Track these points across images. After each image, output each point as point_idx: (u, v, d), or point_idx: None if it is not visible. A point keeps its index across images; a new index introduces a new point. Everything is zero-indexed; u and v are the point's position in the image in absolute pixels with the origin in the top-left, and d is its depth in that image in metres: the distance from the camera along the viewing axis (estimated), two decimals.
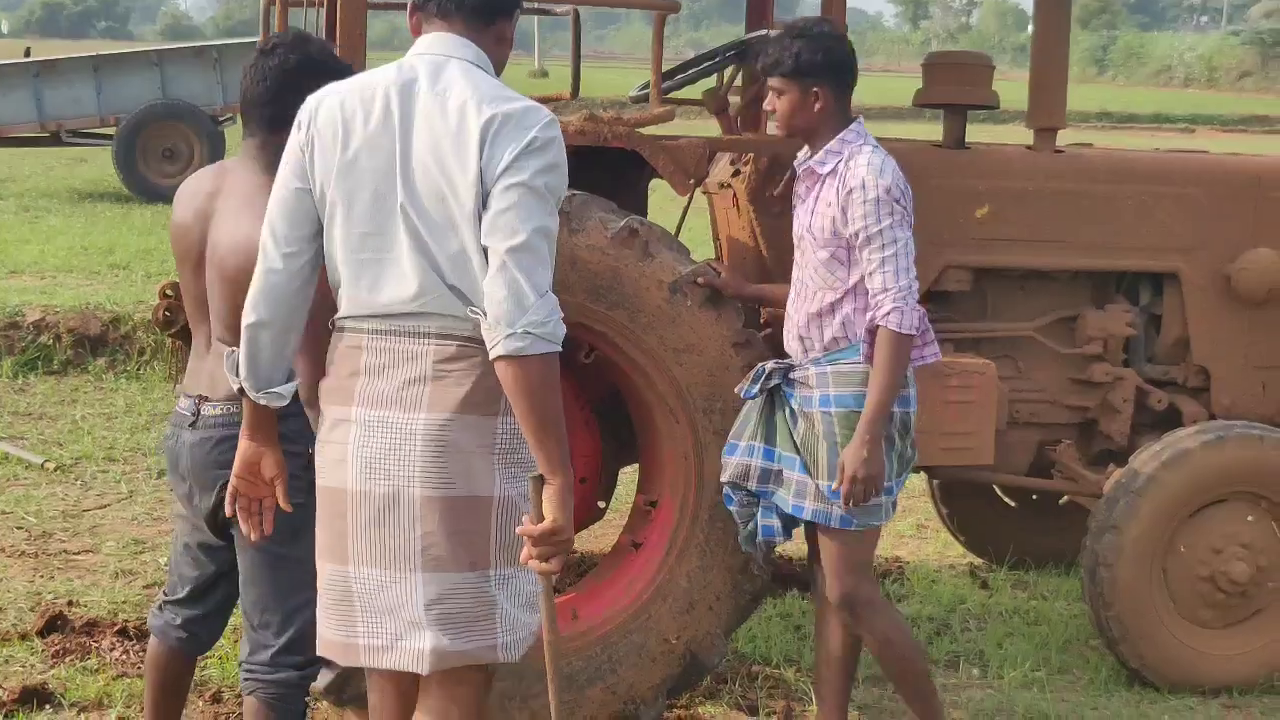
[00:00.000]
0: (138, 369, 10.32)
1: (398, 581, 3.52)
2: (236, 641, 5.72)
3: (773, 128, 5.42)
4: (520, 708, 4.86)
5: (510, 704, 4.82)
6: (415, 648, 3.53)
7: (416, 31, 3.69)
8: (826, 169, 4.67)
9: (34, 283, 12.29)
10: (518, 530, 3.47)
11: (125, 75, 19.34)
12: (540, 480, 3.42)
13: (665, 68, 5.36)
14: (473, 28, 3.61)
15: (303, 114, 3.59)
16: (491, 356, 3.39)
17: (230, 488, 3.77)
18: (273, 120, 4.12)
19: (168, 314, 5.39)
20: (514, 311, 3.34)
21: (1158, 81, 68.89)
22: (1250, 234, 5.99)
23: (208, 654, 5.51)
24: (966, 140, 5.98)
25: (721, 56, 5.97)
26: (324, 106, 3.56)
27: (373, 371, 3.53)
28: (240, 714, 5.09)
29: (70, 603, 6.12)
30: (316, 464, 3.66)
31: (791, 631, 6.10)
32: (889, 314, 4.50)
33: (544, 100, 6.43)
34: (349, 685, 4.74)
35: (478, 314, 3.41)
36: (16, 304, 10.76)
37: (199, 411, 4.16)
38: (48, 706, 5.19)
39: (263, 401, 3.68)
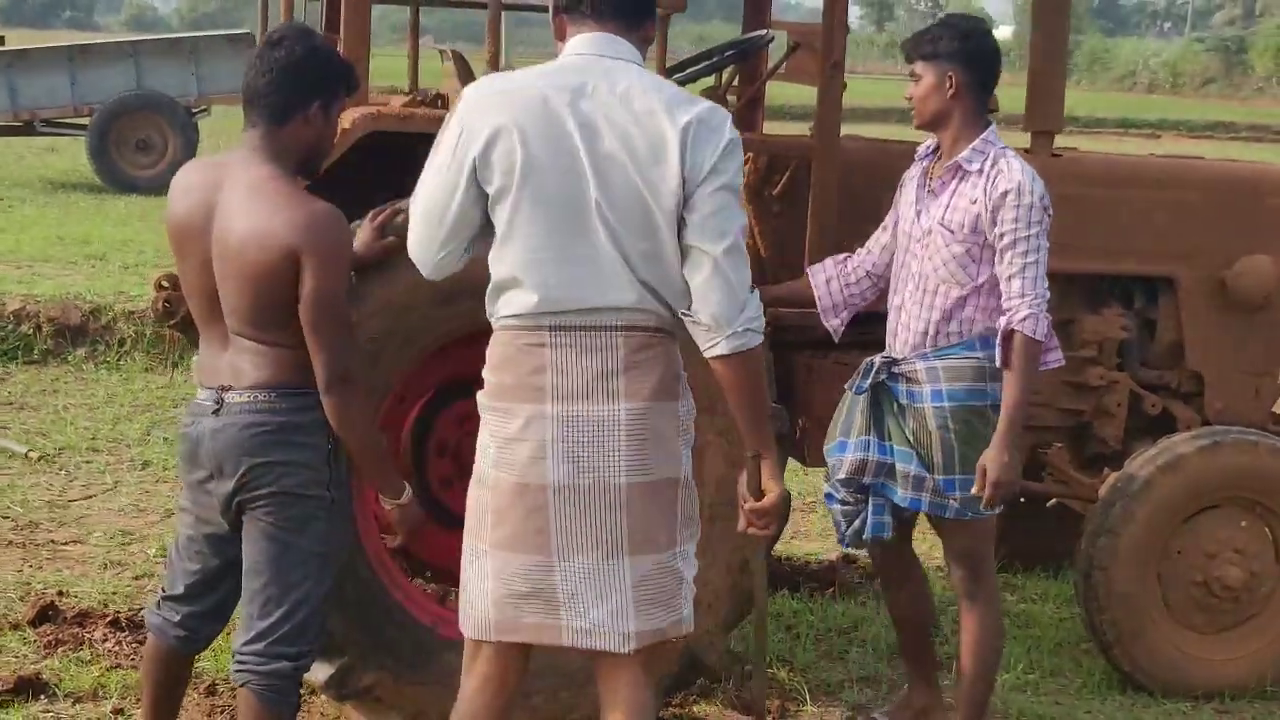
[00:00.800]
0: (118, 359, 10.27)
1: (607, 568, 3.63)
2: (230, 634, 5.75)
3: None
4: (521, 704, 4.85)
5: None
6: (621, 630, 3.64)
7: (561, 34, 3.73)
8: (974, 166, 4.76)
9: (11, 272, 12.20)
10: (747, 506, 3.76)
11: (100, 66, 19.29)
12: (757, 458, 3.72)
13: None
14: (625, 26, 3.69)
15: (463, 114, 3.59)
16: (711, 355, 3.59)
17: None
18: (276, 111, 4.11)
19: (167, 305, 5.36)
20: (732, 311, 3.54)
21: (1122, 87, 69.21)
22: (1246, 240, 6.01)
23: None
24: None
25: (720, 56, 5.97)
26: (490, 111, 3.56)
27: (559, 367, 3.58)
28: (236, 707, 5.11)
29: (60, 593, 6.09)
30: (505, 461, 3.64)
31: (783, 631, 6.10)
32: (1025, 319, 4.66)
33: None
34: (349, 679, 4.73)
35: (689, 316, 3.58)
36: None
37: (222, 400, 4.12)
38: (42, 697, 5.16)
39: None
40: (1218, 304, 6.06)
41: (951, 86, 4.79)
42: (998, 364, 4.74)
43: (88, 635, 5.69)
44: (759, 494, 3.76)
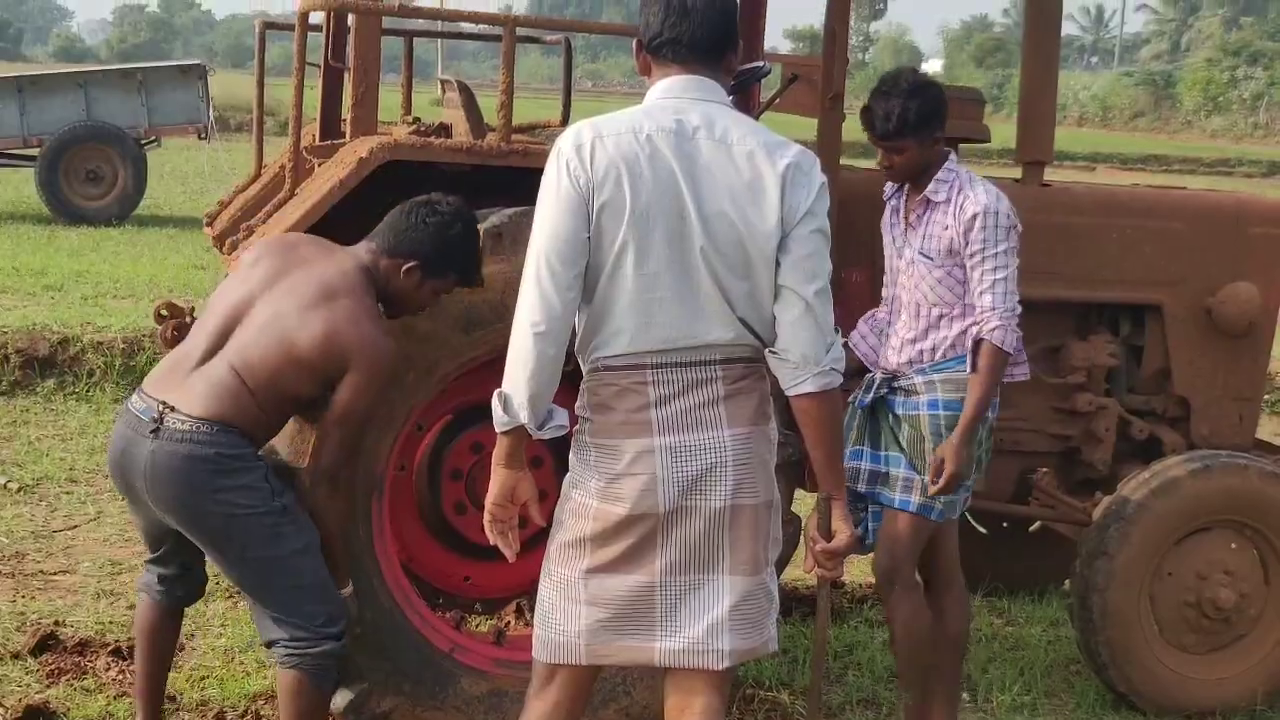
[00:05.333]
0: (87, 391, 10.18)
1: (708, 587, 3.72)
2: (232, 662, 5.77)
3: None
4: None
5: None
6: (716, 648, 3.73)
7: (646, 70, 3.81)
8: (941, 197, 5.03)
9: None
10: (817, 548, 3.82)
11: (49, 96, 19.13)
12: (829, 499, 3.79)
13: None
14: (708, 66, 3.75)
15: (569, 160, 3.61)
16: (794, 392, 3.68)
17: (487, 515, 3.83)
18: (392, 245, 4.48)
19: (176, 334, 5.42)
20: (819, 351, 3.65)
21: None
22: (1230, 268, 6.15)
23: (206, 674, 5.58)
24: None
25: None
26: (596, 153, 3.60)
27: (663, 402, 3.67)
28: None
29: (57, 623, 6.07)
30: (613, 495, 3.70)
31: (782, 655, 6.16)
32: (994, 329, 4.91)
33: (533, 127, 6.52)
34: (367, 705, 4.76)
35: (776, 353, 3.67)
36: None
37: (162, 419, 4.26)
38: None
39: (547, 436, 3.72)
40: (1203, 331, 6.19)
41: (934, 146, 5.07)
42: (967, 370, 5.01)
43: (90, 664, 5.68)
44: (829, 535, 3.82)
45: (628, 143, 3.61)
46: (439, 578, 5.35)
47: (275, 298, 4.37)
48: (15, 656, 5.72)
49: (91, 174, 19.01)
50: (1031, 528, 7.15)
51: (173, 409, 4.29)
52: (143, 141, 19.55)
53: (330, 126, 6.13)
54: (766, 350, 3.69)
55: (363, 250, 4.51)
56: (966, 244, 4.95)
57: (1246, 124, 63.04)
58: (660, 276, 3.61)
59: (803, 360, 3.64)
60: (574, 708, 3.92)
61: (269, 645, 4.47)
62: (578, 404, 3.79)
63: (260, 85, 6.38)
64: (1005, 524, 7.18)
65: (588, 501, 3.74)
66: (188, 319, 5.69)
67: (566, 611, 3.79)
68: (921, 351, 5.10)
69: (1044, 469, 6.29)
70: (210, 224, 6.37)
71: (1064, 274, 6.08)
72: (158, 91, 19.48)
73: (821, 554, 3.83)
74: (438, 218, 4.48)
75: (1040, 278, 6.01)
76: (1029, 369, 5.34)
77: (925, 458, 5.04)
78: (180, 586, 4.77)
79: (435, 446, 5.25)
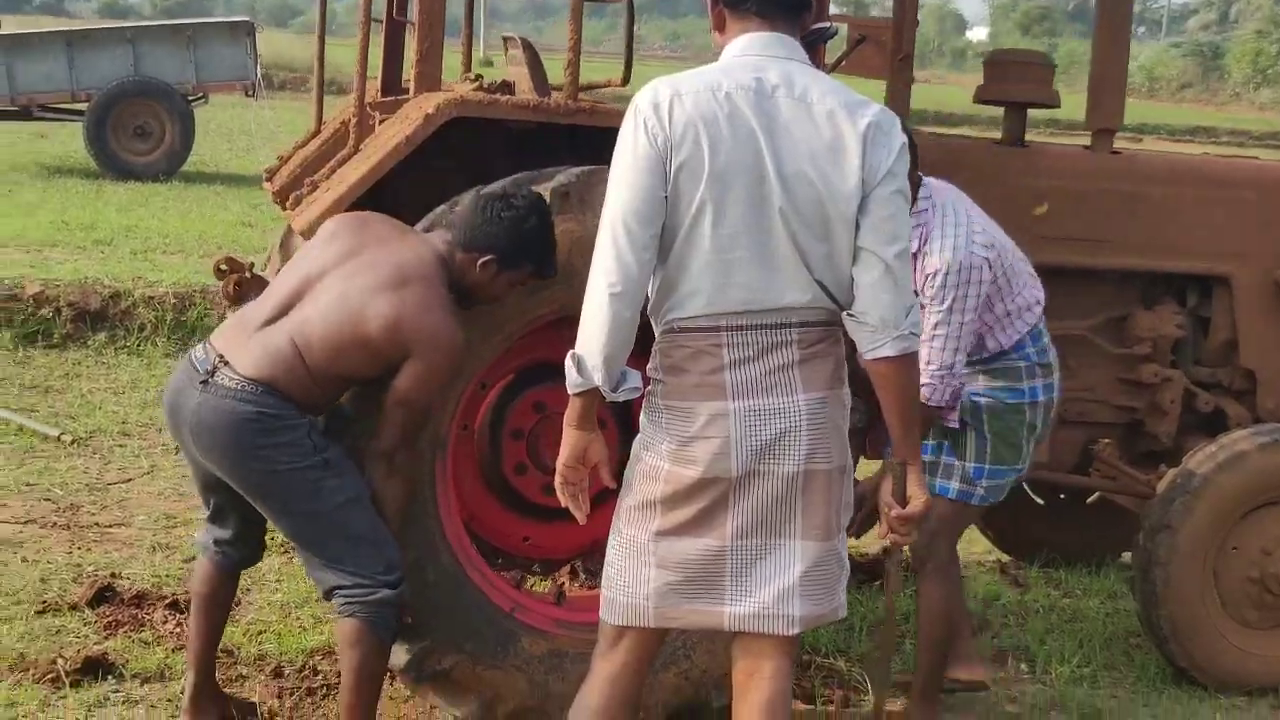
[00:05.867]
0: (138, 345, 10.21)
1: (779, 551, 3.68)
2: (289, 617, 5.76)
3: None
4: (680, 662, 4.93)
5: None
6: (786, 613, 3.68)
7: (720, 25, 3.75)
8: (914, 248, 4.86)
9: (20, 256, 12.18)
10: (893, 514, 3.79)
11: (98, 51, 19.15)
12: (904, 465, 3.76)
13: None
14: (788, 23, 3.70)
15: (647, 118, 3.55)
16: (873, 356, 3.63)
17: (558, 477, 3.77)
18: (468, 238, 4.46)
19: (238, 288, 5.42)
20: (899, 314, 3.59)
21: None
22: None
23: (263, 629, 5.58)
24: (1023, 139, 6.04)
25: None
26: (675, 112, 3.53)
27: (738, 365, 3.61)
28: (301, 689, 5.14)
29: (113, 575, 6.07)
30: (685, 457, 3.66)
31: (837, 623, 6.11)
32: (924, 386, 4.75)
33: (593, 87, 6.46)
34: (427, 662, 4.74)
35: (854, 317, 3.61)
36: (15, 277, 10.63)
37: (214, 371, 4.31)
38: (110, 678, 5.14)
39: (621, 399, 3.68)
40: (1271, 303, 6.13)
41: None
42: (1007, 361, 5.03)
43: (147, 617, 5.68)
44: (904, 501, 3.79)
45: (706, 101, 3.55)
46: (498, 537, 5.32)
47: (345, 275, 4.36)
48: (73, 608, 5.73)
49: (139, 130, 19.04)
50: (1090, 499, 7.08)
51: (227, 364, 4.32)
52: (190, 98, 19.56)
53: (391, 83, 6.08)
54: (844, 314, 3.64)
55: (438, 240, 4.50)
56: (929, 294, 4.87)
57: None
58: (738, 237, 3.55)
59: (882, 324, 3.59)
60: (640, 669, 3.89)
61: (326, 596, 4.45)
62: (649, 365, 3.74)
63: (321, 40, 6.34)
64: (1062, 495, 7.12)
65: (659, 464, 3.70)
66: (247, 274, 5.69)
67: (635, 574, 3.76)
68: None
69: (1106, 440, 6.22)
70: (270, 179, 6.34)
71: (1132, 243, 6.01)
72: (206, 48, 19.47)
73: (897, 520, 3.80)
74: (513, 212, 4.46)
75: (1109, 246, 5.97)
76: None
77: (965, 444, 5.01)
78: (238, 549, 4.76)
79: (496, 406, 5.21)
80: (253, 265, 5.96)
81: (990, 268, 4.90)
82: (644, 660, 3.90)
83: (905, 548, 4.83)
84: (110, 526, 6.82)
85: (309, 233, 4.71)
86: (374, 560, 4.35)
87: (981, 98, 6.12)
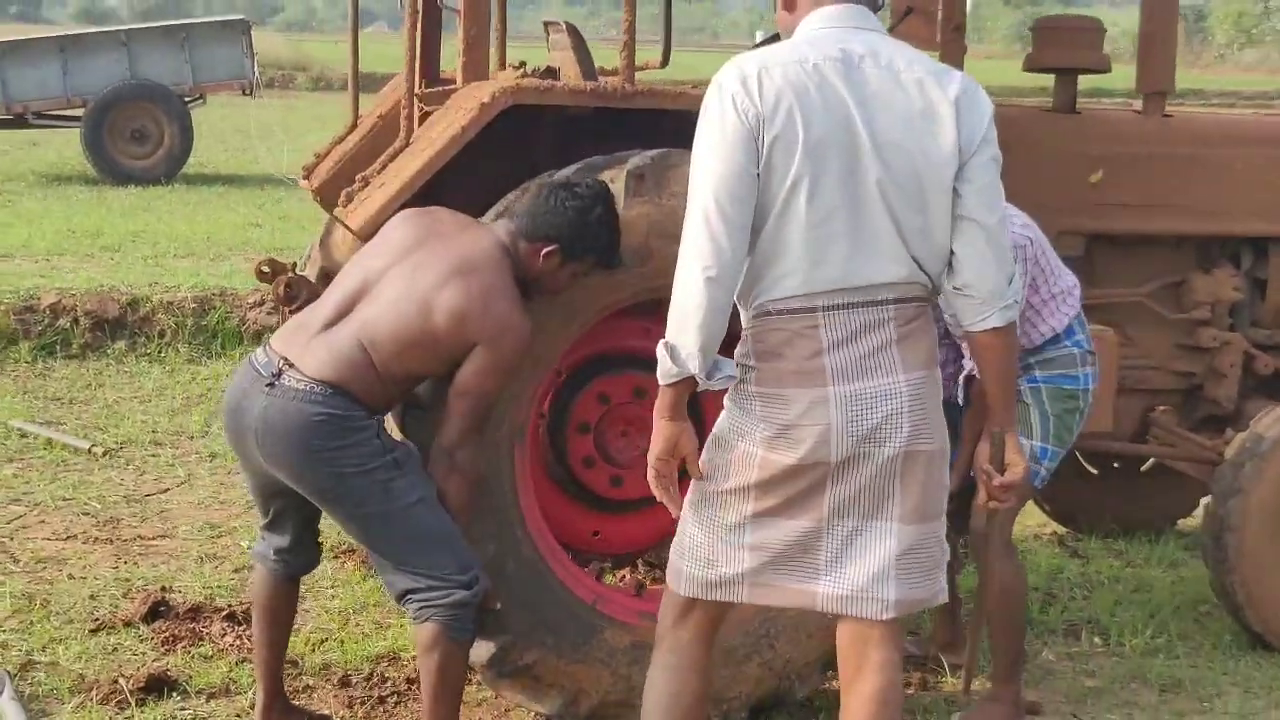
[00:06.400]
0: (159, 351, 10.09)
1: (876, 532, 3.58)
2: (349, 624, 5.67)
3: None
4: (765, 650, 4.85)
5: None
6: (881, 597, 3.59)
7: (790, 3, 3.68)
8: None
9: (29, 266, 12.01)
10: (994, 482, 3.75)
11: (92, 56, 18.97)
12: (1003, 433, 3.73)
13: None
14: None
15: (734, 94, 3.45)
16: (979, 328, 3.60)
17: (651, 470, 3.67)
18: (530, 228, 4.38)
19: (289, 289, 5.32)
20: (1003, 284, 3.57)
21: None
22: None
23: (325, 637, 5.48)
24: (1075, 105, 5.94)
25: None
26: (764, 84, 3.44)
27: (836, 348, 3.51)
28: (372, 698, 5.04)
29: (164, 588, 5.95)
30: (783, 445, 3.55)
31: None
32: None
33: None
34: (510, 658, 4.65)
35: (960, 289, 3.56)
36: (30, 287, 10.49)
37: (280, 374, 4.21)
38: (174, 695, 5.03)
39: (716, 387, 3.60)
40: None
41: None
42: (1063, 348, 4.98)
43: (204, 630, 5.57)
44: (1003, 468, 3.74)
45: (795, 73, 3.45)
46: (565, 532, 5.21)
47: (408, 270, 4.27)
48: (127, 624, 5.61)
49: (137, 133, 18.87)
50: (1144, 467, 6.99)
51: (292, 365, 4.22)
52: (188, 99, 19.41)
53: (429, 74, 5.96)
54: (950, 286, 3.56)
55: (501, 229, 4.40)
56: None
57: None
58: (834, 211, 3.45)
59: (990, 295, 3.55)
60: (713, 636, 3.86)
61: (399, 600, 4.34)
62: (738, 351, 3.63)
63: (354, 34, 6.21)
64: (1116, 464, 7.03)
65: (753, 450, 3.59)
66: (292, 274, 5.58)
67: (729, 556, 3.67)
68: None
69: (1163, 407, 6.14)
70: (308, 177, 6.22)
71: (1186, 206, 5.92)
72: (201, 48, 19.33)
73: (997, 488, 3.76)
74: (578, 201, 4.37)
75: (1165, 211, 5.89)
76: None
77: (1030, 425, 4.93)
78: (295, 556, 4.66)
79: (559, 397, 5.08)
80: (295, 265, 5.86)
81: (1032, 245, 4.87)
82: (717, 625, 3.86)
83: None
84: (154, 539, 6.71)
85: (367, 229, 4.61)
86: (447, 561, 4.24)
87: (1032, 65, 6.01)
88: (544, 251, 4.37)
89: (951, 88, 3.50)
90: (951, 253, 3.54)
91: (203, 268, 12.06)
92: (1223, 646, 5.75)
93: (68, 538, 6.65)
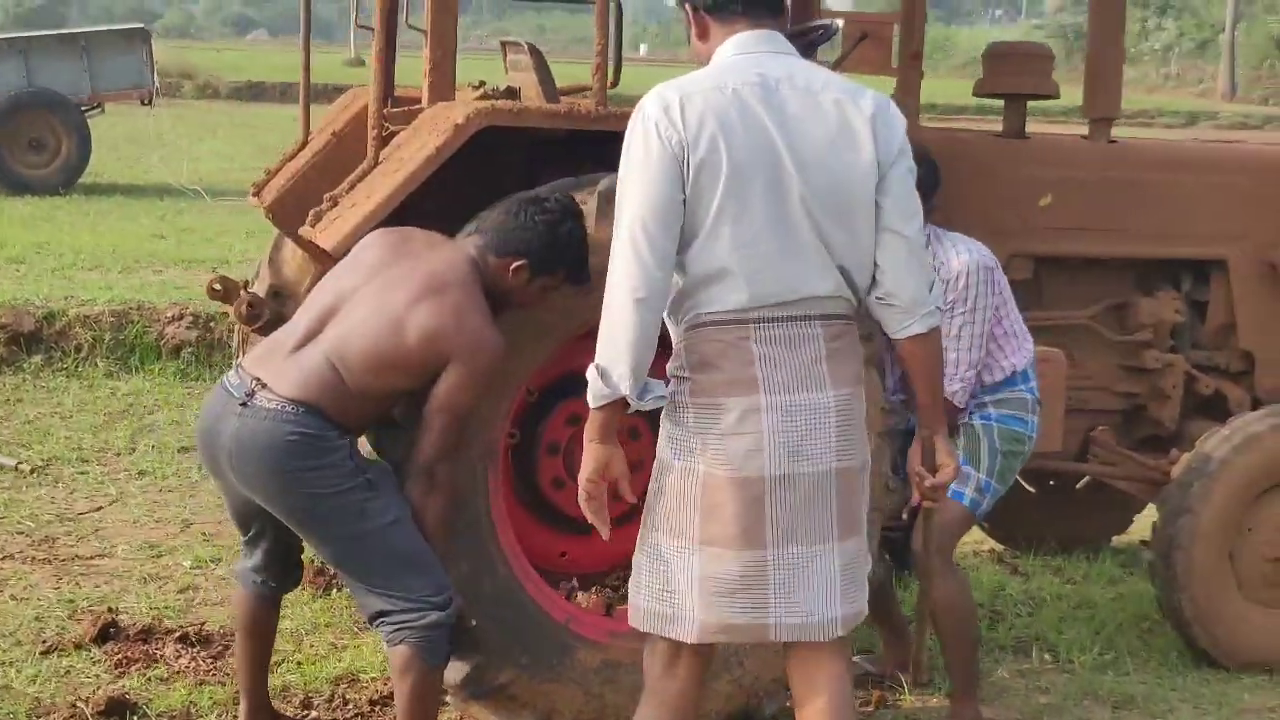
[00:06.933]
0: (77, 366, 9.93)
1: (820, 555, 3.65)
2: (303, 645, 5.62)
3: None
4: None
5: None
6: (829, 617, 3.68)
7: (703, 33, 3.77)
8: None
9: None
10: (928, 483, 3.91)
11: None
12: (931, 436, 3.87)
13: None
14: (774, 19, 3.76)
15: (658, 121, 3.55)
16: (903, 335, 3.72)
17: (582, 492, 3.71)
18: (499, 243, 4.38)
19: (251, 308, 5.30)
20: (924, 291, 3.70)
21: (965, 74, 69.87)
22: None
23: (281, 659, 5.42)
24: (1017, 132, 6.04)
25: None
26: (686, 111, 3.54)
27: (768, 360, 3.59)
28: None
29: (110, 609, 5.86)
30: (718, 456, 3.61)
31: (865, 626, 6.07)
32: (955, 390, 5.00)
33: (581, 89, 6.34)
34: (484, 678, 4.65)
35: (883, 299, 3.68)
36: None
37: (252, 394, 4.19)
38: (135, 718, 4.96)
39: (647, 408, 3.65)
40: (1267, 285, 6.18)
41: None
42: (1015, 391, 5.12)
43: (158, 653, 5.48)
44: (934, 470, 3.89)
45: (716, 99, 3.57)
46: (533, 552, 5.20)
47: (379, 289, 4.26)
48: (78, 646, 5.51)
49: (34, 142, 18.60)
50: (1079, 485, 7.10)
51: (265, 386, 4.20)
52: (86, 108, 19.13)
53: (387, 93, 5.92)
54: (874, 296, 3.69)
55: (470, 245, 4.40)
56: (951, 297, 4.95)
57: (1158, 75, 63.38)
58: (761, 230, 3.56)
59: (912, 303, 3.68)
60: (701, 684, 3.91)
61: (372, 621, 4.32)
62: (671, 365, 3.71)
63: (306, 48, 6.15)
64: (1052, 482, 7.14)
65: (692, 465, 3.66)
66: (243, 292, 5.54)
67: (675, 582, 3.72)
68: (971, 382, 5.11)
69: (1102, 426, 6.24)
70: (257, 193, 6.16)
71: (1131, 230, 6.03)
72: (101, 57, 19.09)
73: (930, 489, 3.92)
74: (547, 215, 4.39)
75: (1111, 235, 6.00)
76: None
77: (979, 458, 5.06)
78: (277, 577, 4.66)
79: (528, 418, 5.07)
80: (248, 283, 5.83)
81: (999, 269, 5.04)
82: (705, 672, 3.92)
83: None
84: (92, 558, 6.60)
85: (340, 249, 4.57)
86: (422, 583, 4.23)
87: (981, 91, 6.11)
88: (513, 266, 4.38)
89: (866, 105, 3.63)
90: (874, 265, 3.66)
91: (113, 280, 11.90)
92: (1169, 663, 5.86)
93: (4, 557, 6.54)
